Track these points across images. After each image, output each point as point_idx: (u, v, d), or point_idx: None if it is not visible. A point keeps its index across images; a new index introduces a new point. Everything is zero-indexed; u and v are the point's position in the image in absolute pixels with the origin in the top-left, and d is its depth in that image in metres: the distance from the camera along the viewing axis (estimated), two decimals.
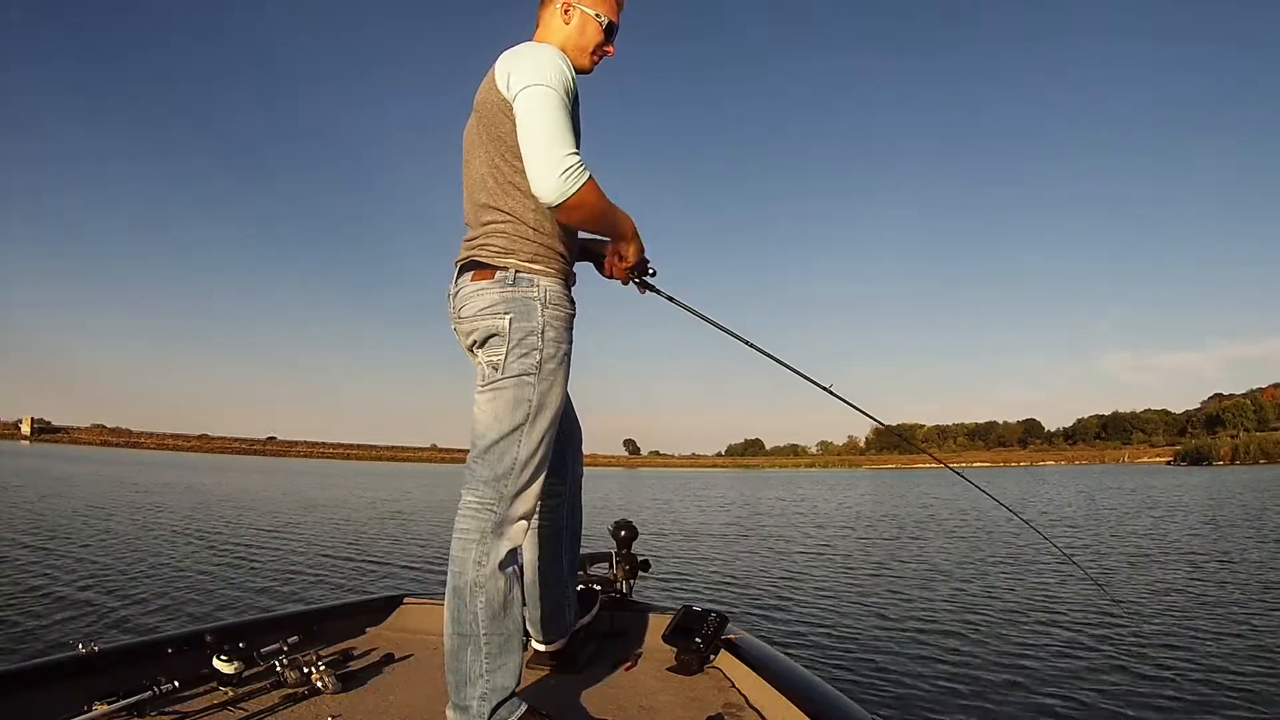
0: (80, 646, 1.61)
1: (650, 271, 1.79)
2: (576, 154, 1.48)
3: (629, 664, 2.05)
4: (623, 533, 2.38)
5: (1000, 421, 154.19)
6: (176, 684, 1.63)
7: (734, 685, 1.88)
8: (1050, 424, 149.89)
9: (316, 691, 1.73)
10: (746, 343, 1.93)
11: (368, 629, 2.32)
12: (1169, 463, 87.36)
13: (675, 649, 2.01)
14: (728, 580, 8.15)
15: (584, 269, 1.83)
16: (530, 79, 1.50)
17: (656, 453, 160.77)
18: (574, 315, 1.65)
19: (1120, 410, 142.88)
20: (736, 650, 1.96)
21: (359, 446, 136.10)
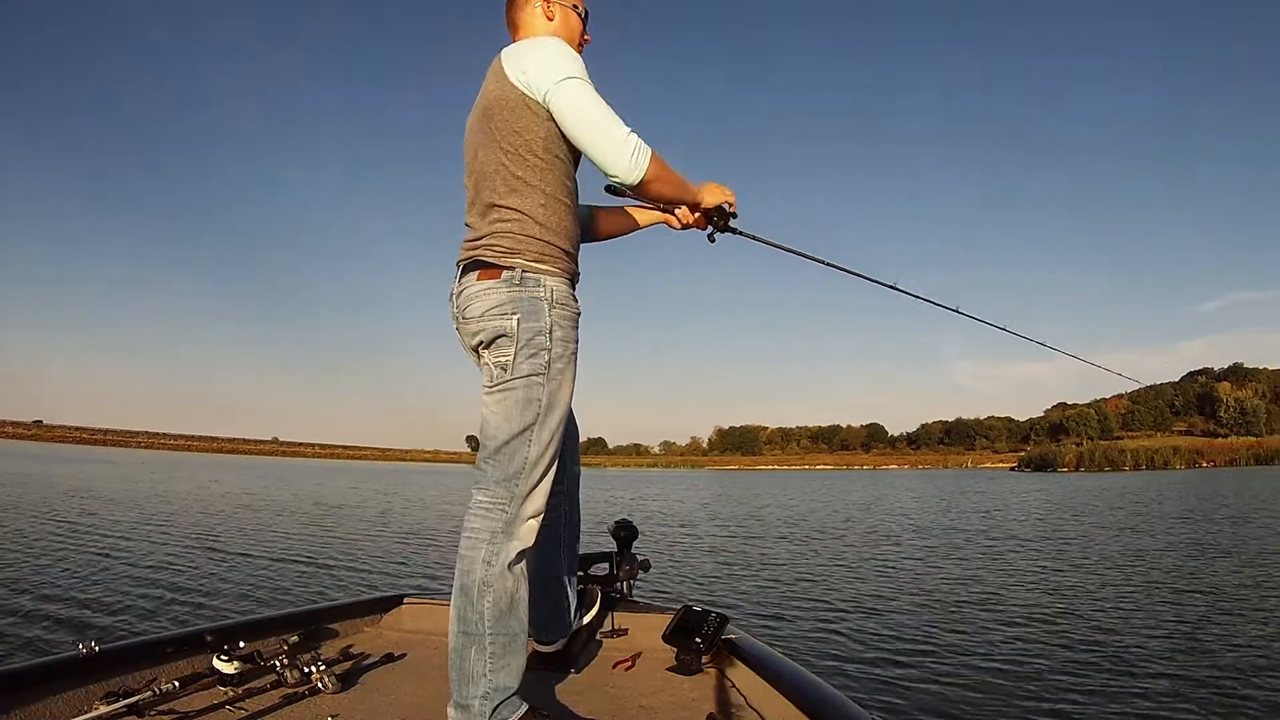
0: (80, 646, 1.61)
1: (733, 215, 1.85)
2: (633, 132, 1.53)
3: (629, 664, 2.05)
4: (623, 533, 2.38)
5: (844, 425, 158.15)
6: (176, 684, 1.63)
7: (734, 685, 1.88)
8: (894, 429, 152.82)
9: (316, 691, 1.73)
10: (829, 264, 2.07)
11: (367, 629, 2.32)
12: (1013, 469, 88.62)
13: (675, 649, 2.01)
14: (727, 580, 8.15)
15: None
16: (557, 74, 1.52)
17: None
18: (579, 314, 1.66)
19: (964, 417, 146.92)
20: (736, 650, 1.96)
21: (200, 439, 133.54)
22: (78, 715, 1.45)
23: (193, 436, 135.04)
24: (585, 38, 1.79)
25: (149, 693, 1.56)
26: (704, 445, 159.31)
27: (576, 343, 1.63)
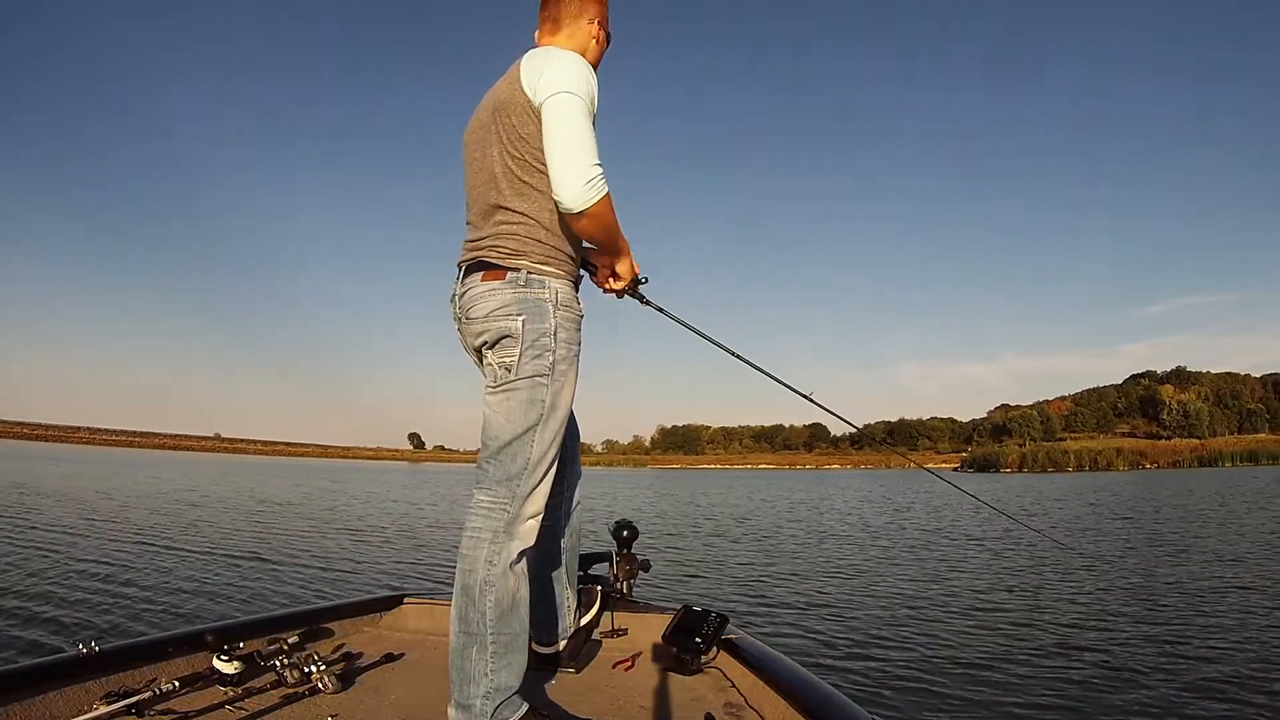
0: (80, 646, 1.61)
1: (643, 280, 1.87)
2: (600, 166, 1.51)
3: (629, 664, 2.05)
4: (624, 533, 2.39)
5: (786, 425, 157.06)
6: (176, 684, 1.63)
7: (734, 685, 1.88)
8: (837, 429, 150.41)
9: (316, 691, 1.73)
10: (734, 354, 2.05)
11: (368, 629, 2.32)
12: (955, 469, 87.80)
13: (675, 649, 2.01)
14: (727, 580, 8.15)
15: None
16: (560, 85, 1.51)
17: (441, 447, 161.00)
18: (583, 316, 1.67)
19: (907, 417, 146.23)
20: (736, 650, 1.96)
21: (142, 434, 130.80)
22: (78, 715, 1.45)
23: (134, 432, 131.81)
24: None
25: (149, 693, 1.56)
26: (646, 444, 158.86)
27: (579, 344, 1.64)
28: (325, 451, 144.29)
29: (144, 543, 9.57)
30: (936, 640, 5.46)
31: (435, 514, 16.76)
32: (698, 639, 1.98)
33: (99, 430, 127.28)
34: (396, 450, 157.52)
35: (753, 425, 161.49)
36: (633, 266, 1.80)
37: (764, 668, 1.81)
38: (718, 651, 2.01)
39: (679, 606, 2.14)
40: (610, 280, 1.82)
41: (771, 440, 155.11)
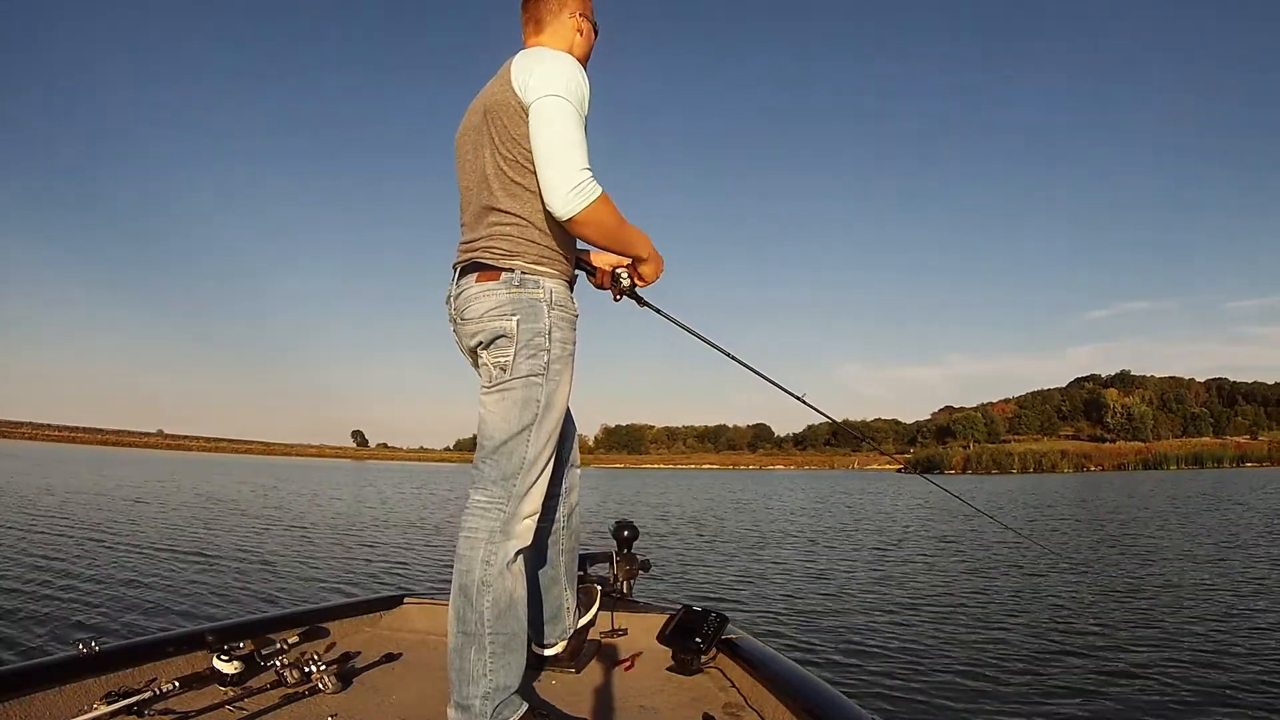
0: (80, 646, 1.61)
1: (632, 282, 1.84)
2: (588, 169, 1.49)
3: (629, 664, 2.05)
4: (624, 533, 2.39)
5: (730, 425, 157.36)
6: (176, 684, 1.63)
7: (733, 685, 1.88)
8: (780, 429, 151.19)
9: (316, 691, 1.73)
10: (733, 357, 2.03)
11: (368, 629, 2.32)
12: (899, 470, 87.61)
13: (674, 649, 2.01)
14: (727, 580, 8.15)
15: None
16: (548, 89, 1.50)
17: (385, 445, 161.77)
18: (577, 315, 1.66)
19: (851, 418, 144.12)
20: (736, 650, 1.96)
21: (85, 430, 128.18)
22: (78, 715, 1.45)
23: (77, 428, 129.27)
24: None
25: (149, 693, 1.56)
26: (589, 443, 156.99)
27: (575, 344, 1.64)
28: (269, 449, 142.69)
29: (98, 541, 9.48)
30: (933, 639, 5.46)
31: (404, 512, 16.72)
32: (697, 639, 1.98)
33: (42, 425, 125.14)
34: (340, 448, 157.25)
35: (696, 425, 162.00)
36: (659, 267, 1.76)
37: (763, 668, 1.81)
38: (717, 652, 2.01)
39: (679, 606, 2.14)
40: (637, 280, 1.80)
41: (715, 440, 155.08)
